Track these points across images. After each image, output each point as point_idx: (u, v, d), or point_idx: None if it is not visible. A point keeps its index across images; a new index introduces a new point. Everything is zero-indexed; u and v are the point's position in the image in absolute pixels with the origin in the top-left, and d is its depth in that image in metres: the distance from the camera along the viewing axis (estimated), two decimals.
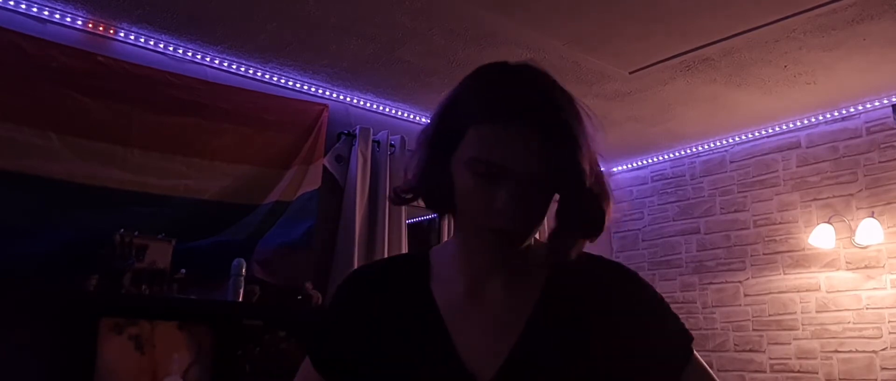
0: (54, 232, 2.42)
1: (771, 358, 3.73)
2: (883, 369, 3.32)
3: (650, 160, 4.49)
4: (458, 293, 0.87)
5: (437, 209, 0.87)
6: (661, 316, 0.88)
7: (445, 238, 3.44)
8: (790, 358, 3.66)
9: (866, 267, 3.46)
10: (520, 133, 0.77)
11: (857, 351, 3.42)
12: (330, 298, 0.98)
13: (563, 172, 0.78)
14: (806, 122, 3.75)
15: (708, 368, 0.87)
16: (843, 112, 3.61)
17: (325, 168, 3.22)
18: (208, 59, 2.96)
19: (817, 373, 3.55)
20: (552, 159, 0.77)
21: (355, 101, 3.47)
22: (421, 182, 0.86)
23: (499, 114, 0.78)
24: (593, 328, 0.84)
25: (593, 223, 0.84)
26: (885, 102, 3.48)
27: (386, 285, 0.91)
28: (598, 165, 0.85)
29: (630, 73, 3.15)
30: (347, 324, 0.90)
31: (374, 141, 3.37)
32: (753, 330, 3.82)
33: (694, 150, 4.25)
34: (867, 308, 3.42)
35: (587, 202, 0.83)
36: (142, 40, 2.79)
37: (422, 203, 0.88)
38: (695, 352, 0.86)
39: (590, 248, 0.89)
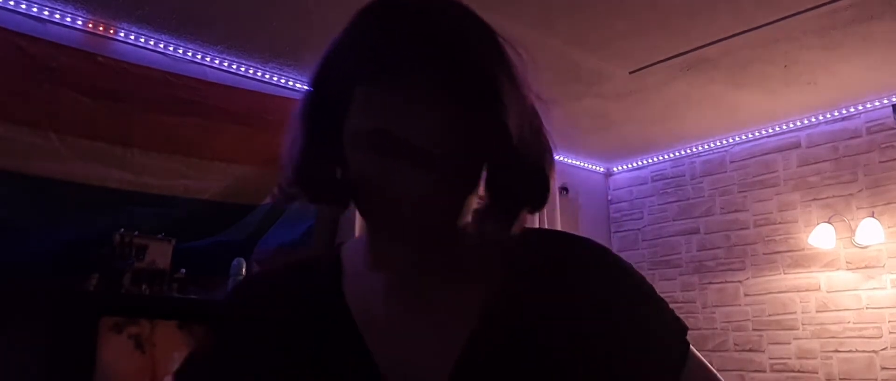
0: (54, 232, 2.42)
1: (771, 358, 3.73)
2: (883, 369, 3.32)
3: (650, 160, 4.49)
4: (377, 301, 0.65)
5: (325, 202, 0.65)
6: (651, 309, 0.68)
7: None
8: (790, 358, 3.66)
9: (866, 267, 3.46)
10: (420, 92, 0.57)
11: (857, 351, 3.42)
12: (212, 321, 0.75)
13: (484, 136, 0.59)
14: (806, 122, 3.75)
15: (709, 365, 0.70)
16: (843, 112, 3.61)
17: None
18: (208, 59, 2.96)
19: (817, 373, 3.55)
20: (467, 122, 0.58)
21: None
22: (299, 170, 0.64)
23: (390, 67, 0.58)
24: (561, 333, 0.62)
25: (532, 191, 0.64)
26: (885, 102, 3.48)
27: (284, 298, 0.69)
28: (535, 115, 0.66)
29: (630, 73, 3.15)
30: (230, 356, 0.67)
31: None
32: (753, 330, 3.82)
33: (694, 150, 4.25)
34: (867, 308, 3.42)
35: (521, 166, 0.62)
36: (142, 40, 2.79)
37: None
38: (692, 347, 0.68)
39: None
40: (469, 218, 0.64)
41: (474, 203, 0.64)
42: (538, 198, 0.65)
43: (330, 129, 0.62)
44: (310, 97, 0.65)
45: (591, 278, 0.67)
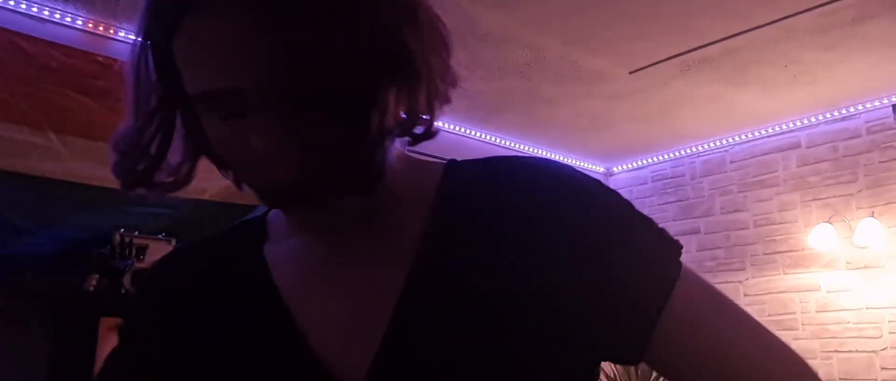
0: (54, 232, 2.42)
1: None
2: (883, 369, 3.32)
3: (650, 160, 4.49)
4: (299, 264, 0.58)
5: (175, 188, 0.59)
6: (613, 237, 0.54)
7: None
8: None
9: (866, 267, 3.46)
10: (224, 27, 0.45)
11: (857, 351, 3.42)
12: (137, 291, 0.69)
13: (321, 61, 0.46)
14: (806, 122, 3.75)
15: (709, 291, 0.58)
16: (843, 112, 3.61)
17: None
18: None
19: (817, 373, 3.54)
20: (293, 48, 0.45)
21: None
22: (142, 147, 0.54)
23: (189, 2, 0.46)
24: (502, 286, 0.51)
25: (428, 90, 0.52)
26: (885, 102, 3.48)
27: (206, 265, 0.62)
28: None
29: (630, 73, 3.15)
30: (153, 330, 0.61)
31: None
32: None
33: (694, 150, 4.25)
34: (867, 308, 3.42)
35: (406, 80, 0.50)
36: None
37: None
38: (683, 279, 0.55)
39: None
40: (383, 156, 0.53)
41: (382, 148, 0.52)
42: (434, 101, 0.52)
43: (167, 97, 0.53)
44: (135, 61, 0.53)
45: (547, 210, 0.54)
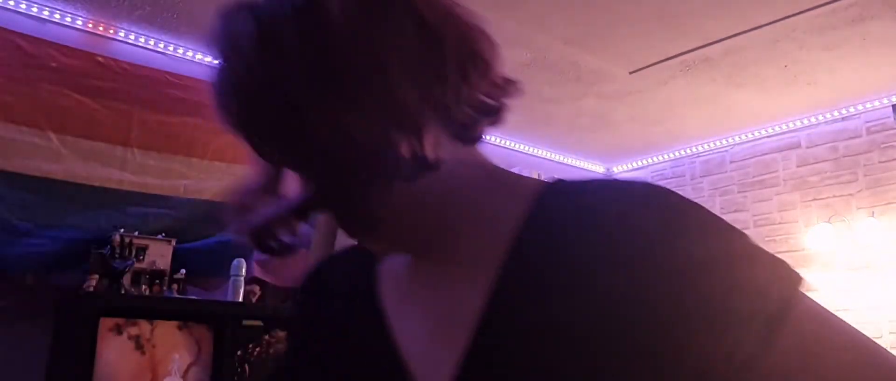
0: (54, 232, 2.42)
1: None
2: None
3: (650, 160, 4.49)
4: (401, 282, 0.62)
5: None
6: (715, 283, 0.49)
7: None
8: None
9: (866, 267, 3.46)
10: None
11: None
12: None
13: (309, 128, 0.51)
14: (806, 122, 3.75)
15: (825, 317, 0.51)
16: (843, 112, 3.61)
17: None
18: (208, 59, 2.96)
19: None
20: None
21: None
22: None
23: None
24: (592, 310, 0.48)
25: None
26: (885, 102, 3.48)
27: (339, 275, 0.70)
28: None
29: (630, 73, 3.15)
30: (301, 332, 0.71)
31: None
32: None
33: (694, 150, 4.25)
34: (867, 308, 3.42)
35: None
36: (142, 40, 2.79)
37: None
38: (799, 303, 0.49)
39: None
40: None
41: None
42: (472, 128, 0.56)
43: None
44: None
45: (638, 246, 0.49)
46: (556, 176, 0.60)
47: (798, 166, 3.79)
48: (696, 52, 2.93)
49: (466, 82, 0.55)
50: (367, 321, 0.61)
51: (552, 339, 0.49)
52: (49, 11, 2.57)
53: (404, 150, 0.49)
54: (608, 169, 4.72)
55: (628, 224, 0.50)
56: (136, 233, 2.48)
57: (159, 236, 2.55)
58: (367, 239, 0.60)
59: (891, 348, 0.50)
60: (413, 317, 0.58)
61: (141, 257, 2.46)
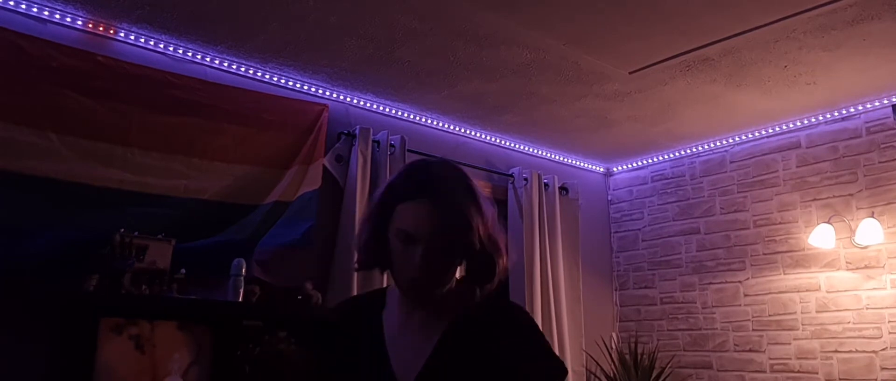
0: (54, 232, 2.41)
1: (771, 358, 3.73)
2: (883, 369, 3.32)
3: (650, 160, 4.49)
4: (396, 323, 1.17)
5: (378, 267, 1.17)
6: (531, 353, 1.12)
7: None
8: (790, 358, 3.66)
9: (866, 267, 3.46)
10: (426, 210, 1.06)
11: (857, 351, 3.42)
12: (330, 313, 1.38)
13: (456, 238, 1.08)
14: (806, 122, 3.75)
15: None
16: (843, 112, 3.61)
17: (325, 168, 3.21)
18: (208, 59, 2.96)
19: (817, 373, 3.55)
20: (447, 229, 1.06)
21: (355, 101, 3.47)
22: (363, 249, 1.16)
23: (412, 195, 1.08)
24: (480, 353, 1.10)
25: (483, 276, 1.14)
26: (885, 102, 3.48)
27: (359, 313, 1.25)
28: (494, 229, 1.13)
29: (630, 73, 3.15)
30: (336, 338, 1.24)
31: (373, 141, 3.38)
32: (753, 330, 3.82)
33: (694, 150, 4.26)
34: (867, 308, 3.43)
35: (478, 261, 1.12)
36: (142, 40, 2.79)
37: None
38: None
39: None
40: (451, 285, 1.14)
41: (453, 280, 1.14)
42: (486, 281, 1.15)
43: (382, 226, 1.12)
44: (375, 208, 1.14)
45: (499, 326, 1.13)
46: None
47: (798, 166, 3.79)
48: (696, 52, 2.93)
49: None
50: (375, 345, 1.16)
51: (470, 363, 1.10)
52: (49, 11, 2.57)
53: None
54: (608, 169, 4.72)
55: (514, 314, 1.20)
56: (136, 233, 2.48)
57: (159, 236, 2.54)
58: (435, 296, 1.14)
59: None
60: (403, 345, 1.14)
61: (141, 257, 2.46)
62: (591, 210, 4.48)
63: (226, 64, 3.02)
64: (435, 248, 1.05)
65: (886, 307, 3.36)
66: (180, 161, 2.79)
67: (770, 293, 3.79)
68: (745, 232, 3.95)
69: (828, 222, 3.54)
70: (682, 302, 4.16)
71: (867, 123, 3.56)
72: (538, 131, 3.98)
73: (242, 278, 2.66)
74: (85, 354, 2.23)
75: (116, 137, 2.64)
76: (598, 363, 4.03)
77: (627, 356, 3.92)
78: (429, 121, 3.75)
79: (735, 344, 3.90)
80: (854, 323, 3.45)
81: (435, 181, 1.09)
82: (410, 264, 1.06)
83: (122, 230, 2.44)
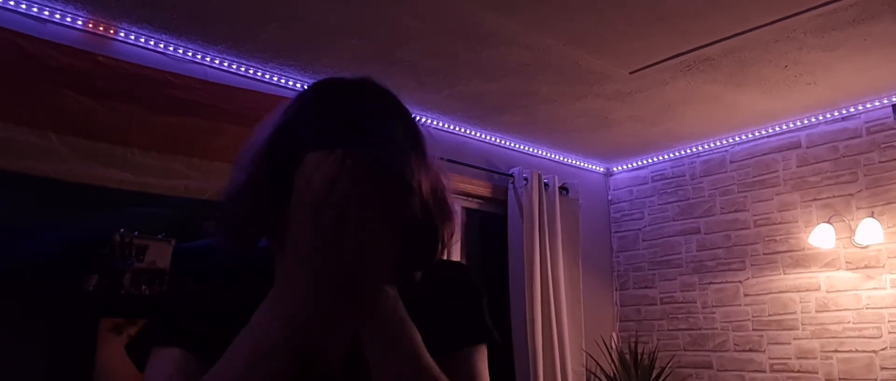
0: (54, 232, 2.41)
1: (771, 358, 3.73)
2: (883, 369, 3.32)
3: (650, 160, 4.49)
4: None
5: (245, 241, 0.89)
6: (470, 307, 0.95)
7: None
8: (790, 358, 3.66)
9: (866, 267, 3.46)
10: (354, 162, 0.69)
11: (857, 351, 3.42)
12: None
13: (396, 207, 0.70)
14: (806, 122, 3.75)
15: (484, 375, 0.91)
16: (843, 112, 3.61)
17: None
18: (208, 59, 2.96)
19: (817, 373, 3.55)
20: (384, 192, 0.69)
21: None
22: (257, 221, 0.80)
23: (327, 140, 0.71)
24: (423, 312, 0.79)
25: (421, 257, 0.77)
26: (885, 102, 3.48)
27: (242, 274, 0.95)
28: (440, 181, 0.79)
29: (630, 73, 3.15)
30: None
31: None
32: (753, 330, 3.83)
33: (694, 150, 4.26)
34: (867, 308, 3.43)
35: (416, 236, 0.73)
36: (142, 40, 2.79)
37: None
38: (483, 353, 0.93)
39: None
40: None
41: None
42: (426, 262, 0.78)
43: (277, 182, 0.72)
44: (260, 158, 0.78)
45: (443, 281, 0.92)
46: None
47: (798, 166, 3.79)
48: (696, 52, 2.93)
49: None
50: None
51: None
52: (49, 11, 2.57)
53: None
54: (608, 169, 4.72)
55: (460, 272, 0.98)
56: (136, 233, 2.48)
57: (159, 236, 2.54)
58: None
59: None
60: None
61: (141, 257, 2.46)
62: (591, 210, 4.47)
63: (226, 64, 3.01)
64: (367, 223, 0.67)
65: (886, 307, 3.36)
66: (180, 161, 2.79)
67: (770, 293, 3.79)
68: (745, 232, 3.95)
69: (828, 222, 3.54)
70: (683, 302, 4.16)
71: (867, 123, 3.56)
72: (538, 131, 3.98)
73: None
74: (85, 354, 2.23)
75: (116, 137, 2.64)
76: (598, 363, 4.03)
77: (627, 356, 3.92)
78: (429, 121, 3.75)
79: (735, 344, 3.90)
80: (854, 323, 3.45)
81: (361, 118, 0.75)
82: (330, 248, 0.67)
83: (122, 230, 2.45)
